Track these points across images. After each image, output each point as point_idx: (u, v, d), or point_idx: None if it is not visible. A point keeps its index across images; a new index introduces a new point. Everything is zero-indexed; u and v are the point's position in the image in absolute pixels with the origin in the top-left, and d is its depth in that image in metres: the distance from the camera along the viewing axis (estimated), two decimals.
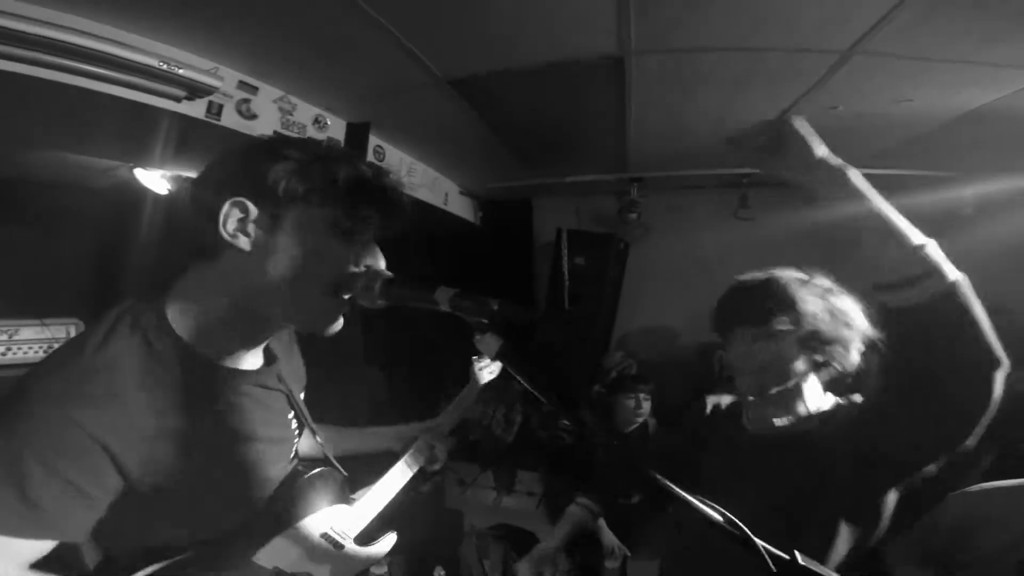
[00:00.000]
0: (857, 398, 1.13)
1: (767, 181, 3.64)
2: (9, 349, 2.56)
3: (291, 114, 2.43)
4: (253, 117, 2.28)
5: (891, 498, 1.03)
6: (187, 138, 2.24)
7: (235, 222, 0.77)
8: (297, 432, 1.02)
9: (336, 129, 2.74)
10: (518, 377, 0.69)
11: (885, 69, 2.18)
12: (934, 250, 0.81)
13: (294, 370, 1.09)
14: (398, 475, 1.25)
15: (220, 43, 2.03)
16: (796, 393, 1.12)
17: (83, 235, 2.84)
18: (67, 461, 0.67)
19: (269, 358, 0.96)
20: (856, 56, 2.08)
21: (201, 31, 1.94)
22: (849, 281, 1.09)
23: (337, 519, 1.04)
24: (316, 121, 2.59)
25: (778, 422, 1.14)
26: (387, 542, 1.16)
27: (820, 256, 1.20)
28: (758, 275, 1.16)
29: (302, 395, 1.13)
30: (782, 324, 1.07)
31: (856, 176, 0.85)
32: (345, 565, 1.05)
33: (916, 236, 0.82)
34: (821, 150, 0.87)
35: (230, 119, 2.23)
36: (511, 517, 2.82)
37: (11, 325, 2.55)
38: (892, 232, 0.82)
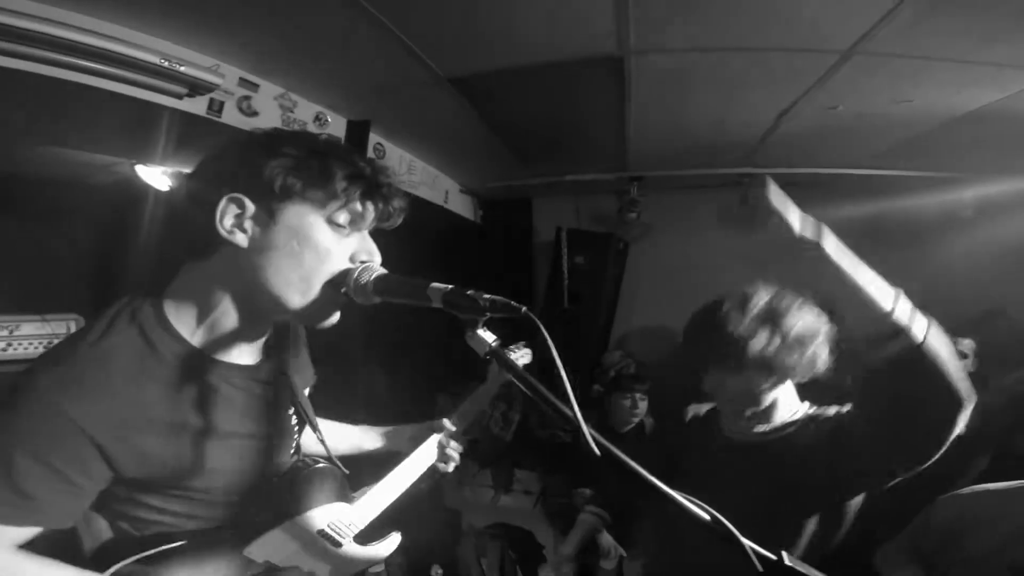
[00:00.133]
0: (831, 410, 1.18)
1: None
2: (10, 345, 2.56)
3: (292, 111, 2.44)
4: (254, 114, 2.29)
5: (854, 504, 1.12)
6: (188, 135, 2.25)
7: (232, 218, 0.77)
8: (297, 428, 1.03)
9: (336, 126, 2.75)
10: (511, 376, 0.70)
11: (885, 69, 2.18)
12: (903, 312, 0.88)
13: (301, 366, 1.09)
14: (406, 473, 1.21)
15: (221, 40, 2.04)
16: (771, 407, 1.20)
17: (84, 231, 2.84)
18: (55, 451, 0.69)
19: (268, 353, 0.97)
20: (856, 56, 2.08)
21: (202, 28, 1.94)
22: None
23: (336, 516, 1.03)
24: (317, 118, 2.60)
25: (756, 429, 1.21)
26: (390, 543, 1.13)
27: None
28: (714, 309, 1.18)
29: (307, 391, 1.13)
30: (747, 363, 1.12)
31: (832, 246, 0.89)
32: (343, 563, 1.04)
33: (887, 300, 0.88)
34: (798, 226, 0.90)
35: (231, 116, 2.24)
36: (509, 516, 2.82)
37: (12, 321, 2.56)
38: (864, 300, 0.88)
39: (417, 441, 1.25)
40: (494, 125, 3.08)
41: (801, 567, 0.60)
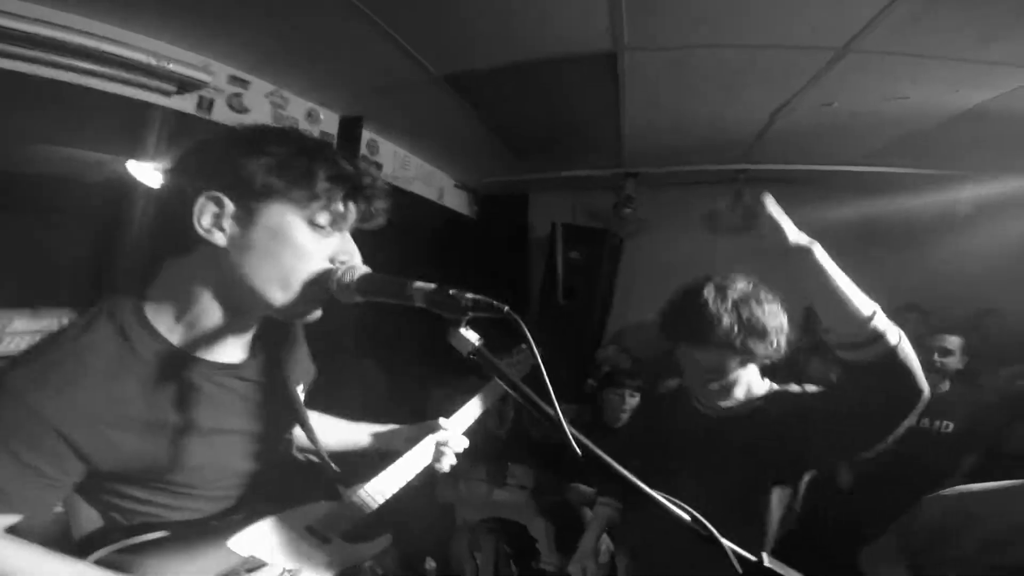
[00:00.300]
0: (794, 388, 1.32)
1: (762, 177, 3.64)
2: (2, 340, 2.56)
3: (283, 108, 2.43)
4: (245, 111, 2.27)
5: (807, 477, 1.28)
6: (180, 132, 2.24)
7: (210, 217, 0.76)
8: (286, 424, 1.02)
9: (329, 123, 2.73)
10: (495, 376, 0.69)
11: (880, 67, 2.17)
12: (879, 320, 0.97)
13: (296, 361, 1.08)
14: (400, 473, 1.18)
15: (211, 38, 2.03)
16: (735, 382, 1.32)
17: (77, 227, 2.83)
18: (25, 446, 0.69)
19: (254, 351, 0.97)
20: (851, 54, 2.08)
21: (192, 26, 1.93)
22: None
23: (325, 513, 1.03)
24: (309, 115, 2.59)
25: (722, 404, 1.35)
26: (379, 543, 1.12)
27: None
28: (695, 290, 1.29)
29: (303, 387, 1.13)
30: (716, 341, 1.24)
31: (821, 255, 0.97)
32: (330, 559, 1.04)
33: (866, 307, 0.97)
34: (793, 236, 0.97)
35: (221, 113, 2.22)
36: (503, 510, 2.82)
37: (4, 316, 2.55)
38: (845, 306, 0.97)
39: (413, 442, 1.24)
40: (489, 121, 3.07)
41: (780, 568, 0.61)
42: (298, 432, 1.07)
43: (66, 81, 1.79)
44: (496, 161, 3.89)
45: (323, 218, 0.81)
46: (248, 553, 0.88)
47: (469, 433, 1.33)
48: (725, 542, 0.61)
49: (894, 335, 0.98)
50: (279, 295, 0.81)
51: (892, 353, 0.97)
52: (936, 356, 2.34)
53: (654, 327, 1.40)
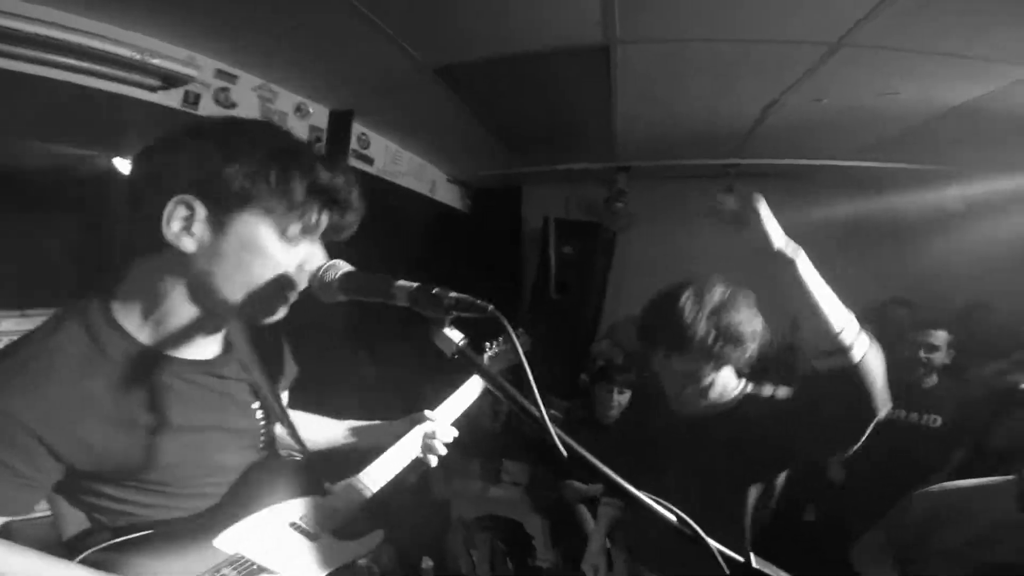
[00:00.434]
0: (767, 390, 1.34)
1: (753, 171, 3.64)
2: None
3: (272, 102, 2.39)
4: (232, 106, 2.24)
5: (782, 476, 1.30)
6: (167, 127, 2.21)
7: (180, 222, 0.75)
8: (263, 421, 1.01)
9: (319, 117, 2.70)
10: (479, 374, 0.69)
11: (873, 61, 2.17)
12: (847, 334, 1.00)
13: (276, 357, 1.08)
14: (388, 466, 1.19)
15: (196, 31, 1.99)
16: (709, 386, 1.33)
17: (64, 225, 2.80)
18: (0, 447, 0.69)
19: (227, 347, 0.95)
20: (844, 48, 2.07)
21: (176, 19, 1.90)
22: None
23: (310, 509, 1.03)
24: (298, 109, 2.56)
25: (700, 404, 1.36)
26: (370, 540, 1.12)
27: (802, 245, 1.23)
28: (672, 297, 1.29)
29: (284, 384, 1.11)
30: (692, 349, 1.24)
31: (803, 266, 0.98)
32: (318, 556, 1.04)
33: (838, 320, 1.00)
34: (778, 243, 0.98)
35: (208, 108, 2.19)
36: (498, 507, 2.82)
37: None
38: (818, 317, 1.00)
39: (400, 436, 1.24)
40: (481, 115, 3.05)
41: (768, 568, 0.60)
42: (280, 429, 1.07)
43: (50, 77, 1.76)
44: (488, 155, 3.87)
45: (295, 229, 0.80)
46: (234, 551, 0.87)
47: (460, 427, 1.32)
48: (711, 542, 0.60)
49: (859, 351, 1.00)
50: (243, 298, 0.80)
51: (853, 369, 1.00)
52: (922, 352, 2.35)
53: None
